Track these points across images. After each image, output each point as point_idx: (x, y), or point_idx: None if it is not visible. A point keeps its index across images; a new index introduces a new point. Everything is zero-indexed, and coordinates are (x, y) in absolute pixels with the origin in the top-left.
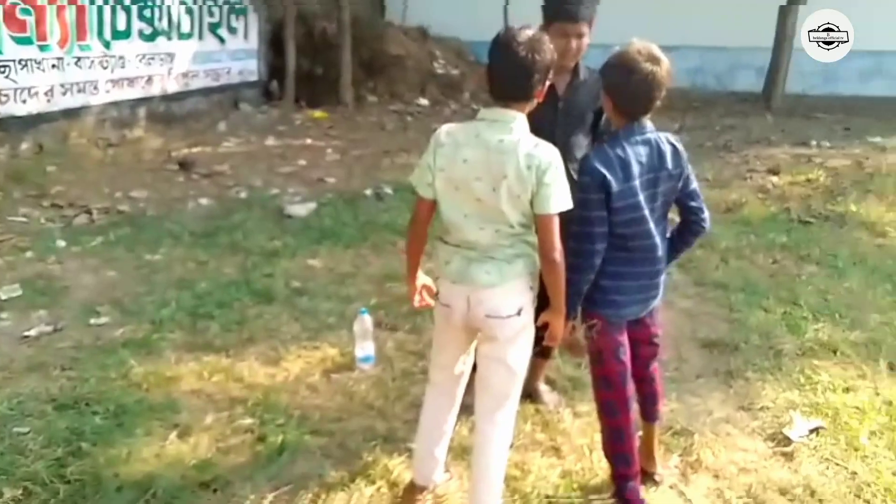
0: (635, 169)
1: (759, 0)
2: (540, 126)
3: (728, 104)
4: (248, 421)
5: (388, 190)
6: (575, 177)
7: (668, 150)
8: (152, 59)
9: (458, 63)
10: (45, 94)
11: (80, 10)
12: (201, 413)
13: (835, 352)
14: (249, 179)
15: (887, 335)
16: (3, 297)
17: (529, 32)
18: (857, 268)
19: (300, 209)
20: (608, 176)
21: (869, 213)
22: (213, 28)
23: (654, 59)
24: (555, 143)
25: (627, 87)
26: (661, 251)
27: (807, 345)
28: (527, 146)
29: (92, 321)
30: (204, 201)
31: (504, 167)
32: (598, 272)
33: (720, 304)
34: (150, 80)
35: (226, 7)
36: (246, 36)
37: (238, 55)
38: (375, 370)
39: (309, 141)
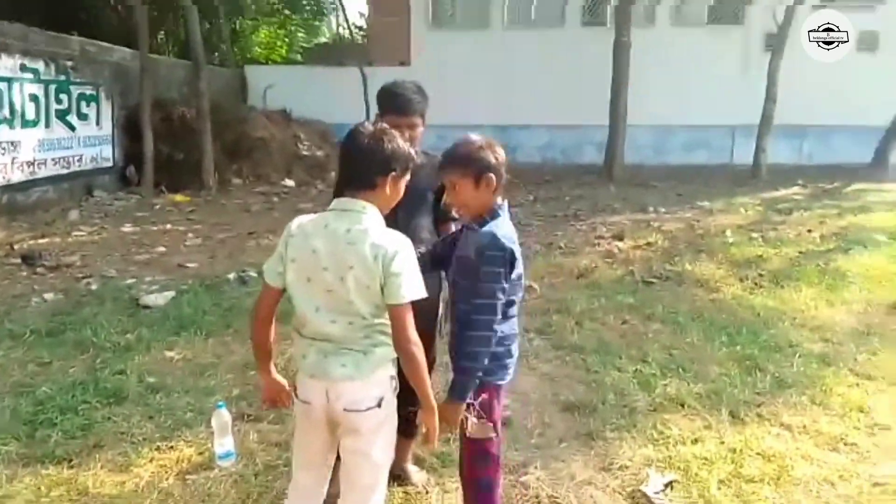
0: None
1: (597, 83)
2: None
3: (576, 176)
4: None
5: (253, 273)
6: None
7: None
8: None
9: (323, 144)
10: None
11: None
12: None
13: (682, 405)
14: (102, 269)
15: (726, 385)
16: None
17: (378, 125)
18: (696, 323)
19: (157, 298)
20: (514, 249)
21: (702, 272)
22: (62, 115)
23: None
24: (397, 225)
25: (500, 167)
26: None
27: (657, 400)
28: (374, 235)
29: None
30: (49, 296)
31: (350, 257)
32: None
33: (578, 366)
34: None
35: (76, 94)
36: (98, 122)
37: (90, 141)
38: (236, 467)
39: (169, 226)
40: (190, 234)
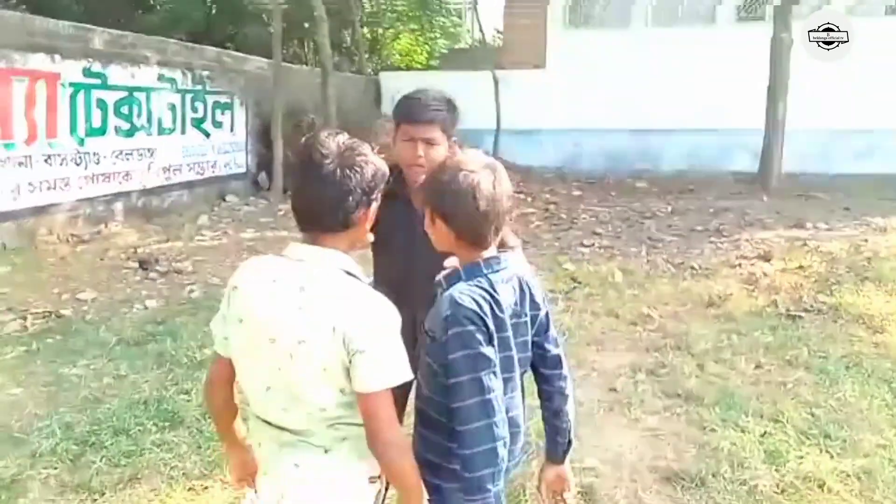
0: (507, 312)
1: (751, 83)
2: (393, 259)
3: (724, 186)
4: None
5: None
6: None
7: (527, 289)
8: (130, 154)
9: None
10: (11, 192)
11: (51, 109)
12: None
13: (821, 486)
14: (209, 277)
15: (885, 463)
16: None
17: (341, 140)
18: (851, 372)
19: None
20: (485, 316)
21: (866, 306)
22: (197, 123)
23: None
24: (414, 280)
25: (474, 210)
26: (523, 426)
27: (787, 478)
28: (335, 298)
29: None
30: (151, 303)
31: (301, 328)
32: None
33: (691, 421)
34: (127, 175)
35: (211, 102)
36: (232, 129)
37: (224, 148)
38: None
39: (285, 233)
40: None
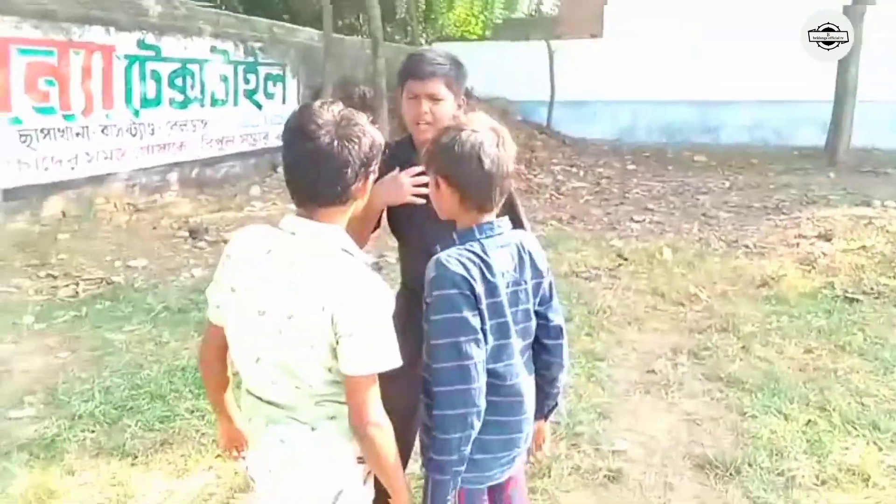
0: (502, 277)
1: (820, 51)
2: (407, 229)
3: (788, 160)
4: None
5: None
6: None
7: (527, 256)
8: (184, 125)
9: (501, 122)
10: (69, 161)
11: (107, 81)
12: None
13: (866, 480)
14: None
15: None
16: None
17: (336, 110)
18: None
19: None
20: (472, 280)
21: None
22: (250, 94)
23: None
24: (426, 253)
25: (478, 173)
26: (528, 396)
27: (829, 469)
28: (325, 276)
29: (13, 414)
30: (198, 272)
31: (290, 303)
32: None
33: (731, 406)
34: (181, 145)
35: (263, 74)
36: (284, 100)
37: (276, 119)
38: None
39: None
40: None
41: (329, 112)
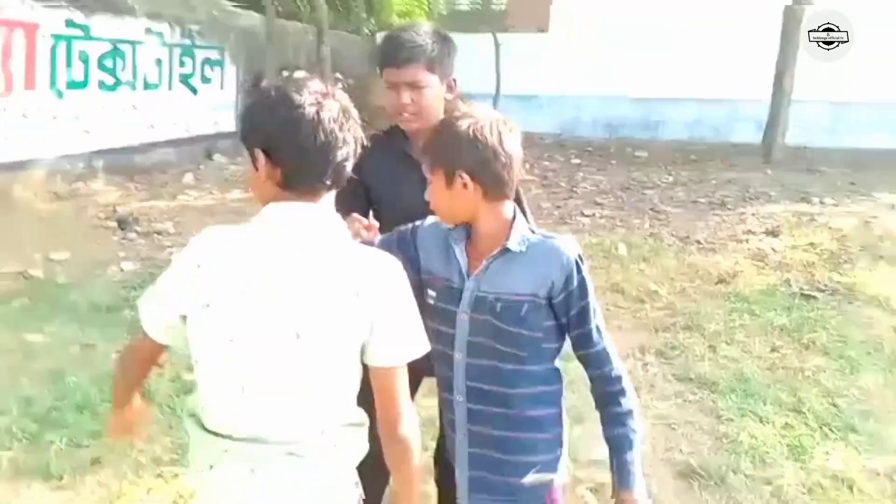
0: None
1: (757, 52)
2: (399, 219)
3: (726, 156)
4: None
5: None
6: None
7: None
8: (112, 109)
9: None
10: None
11: (29, 61)
12: None
13: (850, 487)
14: (190, 239)
15: None
16: None
17: (317, 86)
18: (872, 358)
19: None
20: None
21: (882, 285)
22: (185, 79)
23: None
24: None
25: (495, 163)
26: None
27: (813, 477)
28: (354, 259)
29: None
30: (128, 266)
31: (316, 296)
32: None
33: (705, 409)
34: (109, 131)
35: (200, 58)
36: (222, 86)
37: (213, 106)
38: None
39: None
40: None
41: (315, 87)
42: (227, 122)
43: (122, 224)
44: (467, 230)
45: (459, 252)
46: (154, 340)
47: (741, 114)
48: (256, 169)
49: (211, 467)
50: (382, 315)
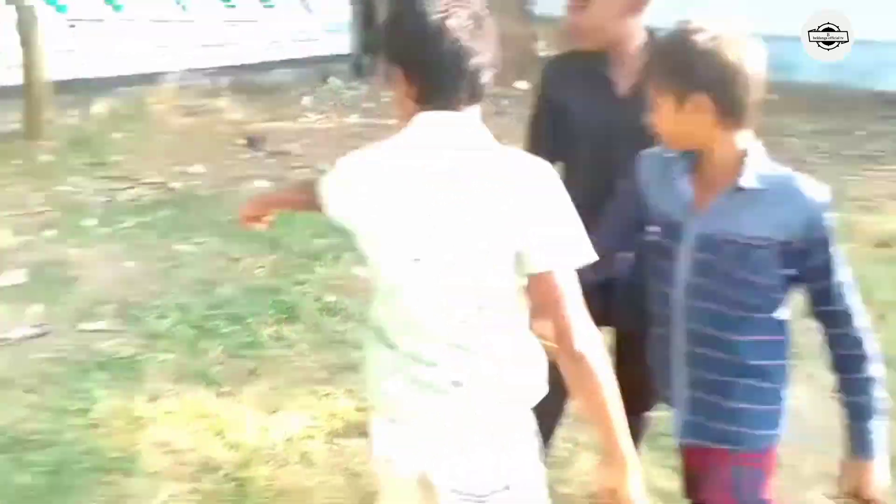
0: None
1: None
2: (590, 143)
3: (875, 107)
4: None
5: None
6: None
7: None
8: (234, 25)
9: (562, 45)
10: (119, 56)
11: None
12: (158, 483)
13: None
14: (318, 161)
15: None
16: (3, 284)
17: None
18: None
19: None
20: None
21: None
22: None
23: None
24: (611, 171)
25: (735, 85)
26: None
27: None
28: (502, 160)
29: (84, 326)
30: (261, 184)
31: (474, 201)
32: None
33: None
34: (232, 47)
35: None
36: (337, 8)
37: (328, 27)
38: None
39: (392, 121)
40: None
41: None
42: (343, 44)
43: (252, 143)
44: (693, 160)
45: (684, 185)
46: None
47: (890, 58)
48: (396, 87)
49: (381, 380)
50: (538, 216)
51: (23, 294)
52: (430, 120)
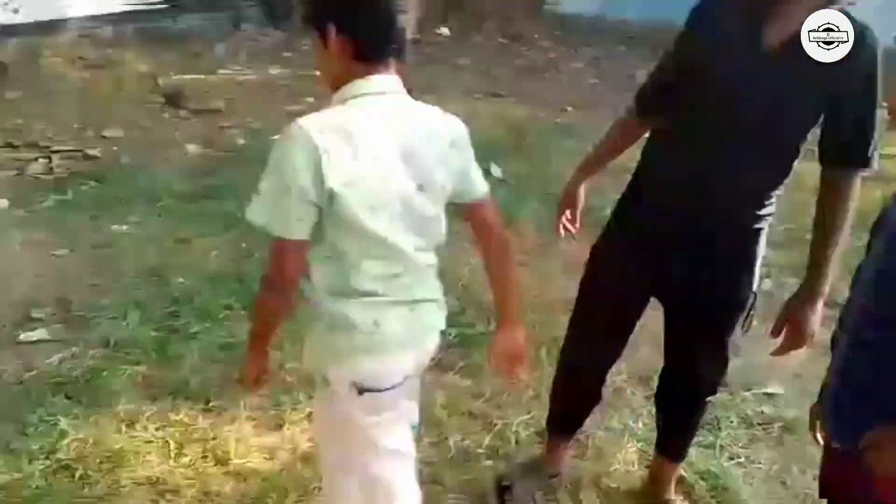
0: None
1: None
2: (719, 103)
3: None
4: None
5: None
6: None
7: None
8: None
9: None
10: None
11: None
12: None
13: None
14: (248, 120)
15: None
16: None
17: None
18: None
19: None
20: None
21: None
22: None
23: None
24: (735, 139)
25: None
26: None
27: None
28: (440, 114)
29: (21, 335)
30: (192, 148)
31: (428, 150)
32: None
33: None
34: None
35: None
36: None
37: None
38: (420, 444)
39: (316, 72)
40: None
41: None
42: None
43: (173, 100)
44: None
45: None
46: (297, 240)
47: None
48: (326, 46)
49: (376, 324)
50: (470, 159)
51: None
52: (380, 80)
